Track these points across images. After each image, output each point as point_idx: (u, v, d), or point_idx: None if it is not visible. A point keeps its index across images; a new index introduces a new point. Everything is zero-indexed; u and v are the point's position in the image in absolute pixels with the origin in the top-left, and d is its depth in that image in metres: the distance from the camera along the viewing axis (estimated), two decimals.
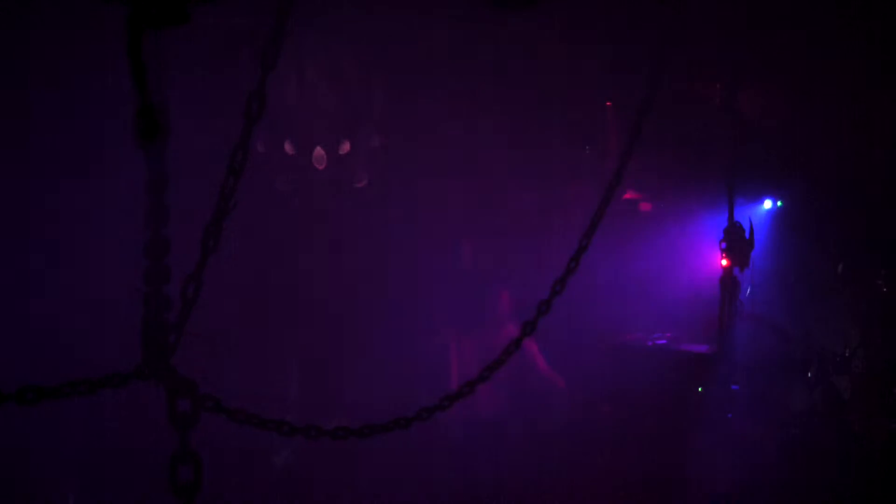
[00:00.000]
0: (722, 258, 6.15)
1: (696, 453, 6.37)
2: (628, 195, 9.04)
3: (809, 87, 7.81)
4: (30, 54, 5.61)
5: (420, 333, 6.57)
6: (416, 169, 7.55)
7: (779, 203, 8.82)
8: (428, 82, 7.26)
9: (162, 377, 2.08)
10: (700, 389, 6.56)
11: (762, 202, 8.76)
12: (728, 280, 6.08)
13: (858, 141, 8.41)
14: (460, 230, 7.78)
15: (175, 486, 2.05)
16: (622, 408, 6.94)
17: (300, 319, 7.02)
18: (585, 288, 4.30)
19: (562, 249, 3.04)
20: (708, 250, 7.23)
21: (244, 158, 2.14)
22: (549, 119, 8.13)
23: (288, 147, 7.96)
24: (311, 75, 7.17)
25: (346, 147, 8.05)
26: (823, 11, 6.59)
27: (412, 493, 6.11)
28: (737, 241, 6.09)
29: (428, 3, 6.55)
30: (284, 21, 2.17)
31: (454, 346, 6.42)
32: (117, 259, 4.24)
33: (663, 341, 7.16)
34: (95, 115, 5.47)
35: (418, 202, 7.53)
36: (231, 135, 2.23)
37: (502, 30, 6.84)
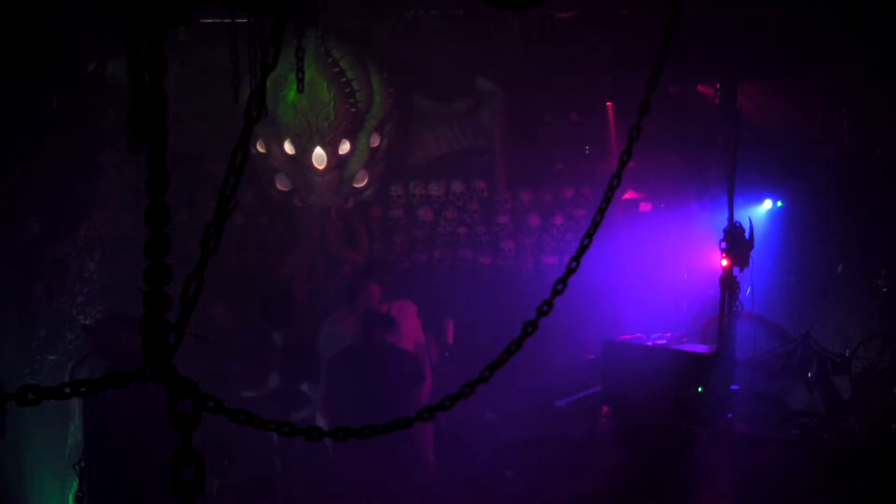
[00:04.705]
0: (722, 258, 6.14)
1: (696, 453, 6.36)
2: (628, 195, 9.03)
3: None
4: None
5: None
6: None
7: (779, 203, 8.81)
8: None
9: (163, 377, 2.07)
10: (700, 389, 6.54)
11: (762, 202, 8.75)
12: (728, 280, 6.07)
13: (858, 141, 8.41)
14: None
15: (177, 486, 2.04)
16: (622, 408, 6.93)
17: None
18: (585, 288, 4.30)
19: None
20: (708, 250, 7.22)
21: (244, 158, 2.13)
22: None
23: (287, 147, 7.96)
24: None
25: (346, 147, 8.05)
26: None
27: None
28: (737, 241, 6.09)
29: None
30: (284, 21, 2.16)
31: None
32: None
33: (663, 341, 7.12)
34: None
35: None
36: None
37: None
